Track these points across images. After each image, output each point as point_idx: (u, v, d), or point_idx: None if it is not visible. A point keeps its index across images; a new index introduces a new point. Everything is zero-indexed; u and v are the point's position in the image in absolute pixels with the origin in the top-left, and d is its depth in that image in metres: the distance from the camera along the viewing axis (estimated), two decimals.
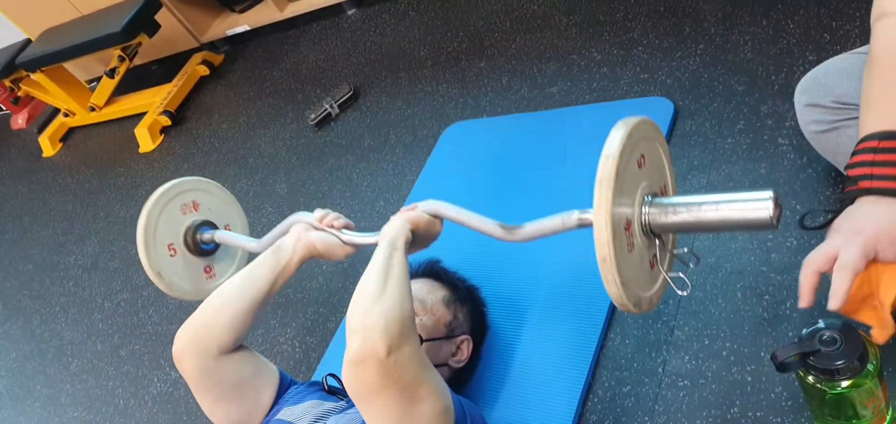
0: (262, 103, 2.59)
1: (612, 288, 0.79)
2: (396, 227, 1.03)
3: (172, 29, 3.03)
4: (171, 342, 1.10)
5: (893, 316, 0.78)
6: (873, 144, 0.78)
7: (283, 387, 1.16)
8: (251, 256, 1.23)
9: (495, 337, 1.30)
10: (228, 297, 1.11)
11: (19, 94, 3.31)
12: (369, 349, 0.84)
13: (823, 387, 0.82)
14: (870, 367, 0.80)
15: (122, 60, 2.85)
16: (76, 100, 3.17)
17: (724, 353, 1.10)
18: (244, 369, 1.12)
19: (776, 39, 1.51)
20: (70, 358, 2.02)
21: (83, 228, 2.57)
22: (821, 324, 0.84)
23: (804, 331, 0.84)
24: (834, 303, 0.75)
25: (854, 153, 0.80)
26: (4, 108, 3.75)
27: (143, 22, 2.63)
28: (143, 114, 2.93)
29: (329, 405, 1.09)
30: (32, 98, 3.55)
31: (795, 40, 1.48)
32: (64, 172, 3.08)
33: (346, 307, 0.91)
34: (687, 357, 1.13)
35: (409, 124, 2.00)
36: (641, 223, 0.84)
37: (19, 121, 3.75)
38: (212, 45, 3.12)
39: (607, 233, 0.76)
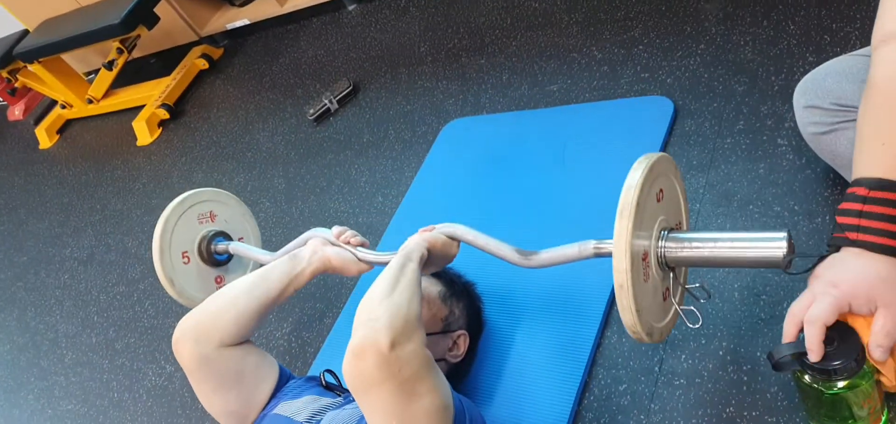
0: (261, 98, 2.58)
1: (628, 316, 0.82)
2: (413, 243, 1.05)
3: (172, 22, 3.02)
4: (167, 336, 1.11)
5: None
6: (863, 192, 0.78)
7: (282, 382, 1.17)
8: None
9: (492, 334, 1.30)
10: (238, 293, 1.14)
11: (16, 85, 3.30)
12: (372, 341, 0.84)
13: (820, 387, 0.82)
14: (866, 368, 0.80)
15: (120, 52, 2.84)
16: (74, 92, 3.15)
17: (721, 352, 1.11)
18: (245, 361, 1.13)
19: (776, 40, 1.51)
20: (65, 351, 2.01)
21: (79, 220, 2.56)
22: None
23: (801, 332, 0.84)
24: (812, 357, 0.78)
25: (845, 197, 0.80)
26: (1, 99, 3.74)
27: (142, 14, 2.62)
28: (141, 107, 2.93)
29: (326, 400, 1.10)
30: (30, 89, 3.55)
31: (796, 41, 1.49)
32: (60, 164, 3.07)
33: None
34: (683, 356, 1.13)
35: (409, 121, 1.99)
36: (657, 256, 0.87)
37: (16, 112, 3.73)
38: (211, 39, 3.11)
39: (626, 261, 0.79)
